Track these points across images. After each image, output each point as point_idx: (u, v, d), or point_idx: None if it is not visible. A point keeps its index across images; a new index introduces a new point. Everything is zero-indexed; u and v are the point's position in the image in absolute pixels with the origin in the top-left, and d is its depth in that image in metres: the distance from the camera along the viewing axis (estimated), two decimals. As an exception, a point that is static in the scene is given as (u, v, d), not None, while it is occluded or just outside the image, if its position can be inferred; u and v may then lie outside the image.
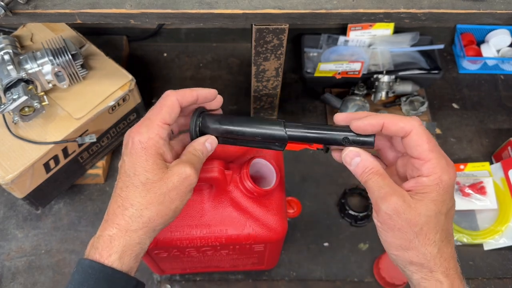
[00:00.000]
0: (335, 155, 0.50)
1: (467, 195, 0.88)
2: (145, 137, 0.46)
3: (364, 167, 0.46)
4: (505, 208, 0.87)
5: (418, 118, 0.45)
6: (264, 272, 0.83)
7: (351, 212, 0.87)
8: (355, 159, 0.46)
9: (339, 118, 0.49)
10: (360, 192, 0.90)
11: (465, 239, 0.86)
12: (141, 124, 0.47)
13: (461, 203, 0.88)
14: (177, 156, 0.50)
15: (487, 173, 0.90)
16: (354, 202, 0.90)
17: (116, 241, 0.44)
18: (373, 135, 0.47)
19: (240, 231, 0.62)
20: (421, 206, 0.43)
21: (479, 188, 0.88)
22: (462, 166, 0.91)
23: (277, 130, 0.49)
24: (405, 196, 0.43)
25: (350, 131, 0.47)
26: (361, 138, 0.47)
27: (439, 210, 0.43)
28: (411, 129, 0.44)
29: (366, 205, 0.89)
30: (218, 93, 0.55)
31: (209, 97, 0.52)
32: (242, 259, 0.73)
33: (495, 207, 0.87)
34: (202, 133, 0.51)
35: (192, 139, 0.51)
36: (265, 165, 0.60)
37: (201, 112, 0.52)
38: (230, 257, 0.71)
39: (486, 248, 0.86)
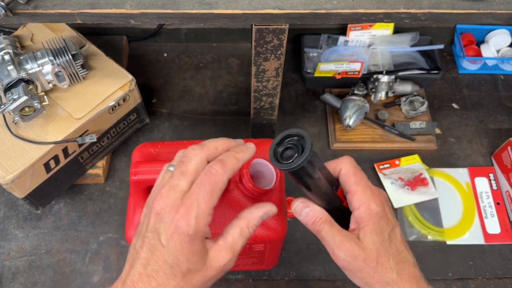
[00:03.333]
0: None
1: (415, 188, 0.90)
2: (193, 231, 0.42)
3: (314, 216, 0.48)
4: (469, 210, 0.90)
5: (349, 157, 0.50)
6: (264, 272, 0.83)
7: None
8: (304, 210, 0.49)
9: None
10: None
11: (430, 236, 0.87)
12: (189, 212, 0.42)
13: (411, 198, 0.89)
14: None
15: (420, 164, 0.93)
16: (354, 202, 0.90)
17: None
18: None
19: None
20: (367, 241, 0.47)
21: (421, 180, 0.90)
22: (397, 162, 0.94)
23: None
24: (354, 239, 0.47)
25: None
26: None
27: (382, 238, 0.47)
28: (340, 167, 0.49)
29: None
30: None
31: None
32: (242, 259, 0.73)
33: (437, 196, 0.90)
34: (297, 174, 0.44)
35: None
36: (265, 165, 0.60)
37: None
38: None
39: (448, 243, 0.87)
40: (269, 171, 0.61)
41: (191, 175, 0.44)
